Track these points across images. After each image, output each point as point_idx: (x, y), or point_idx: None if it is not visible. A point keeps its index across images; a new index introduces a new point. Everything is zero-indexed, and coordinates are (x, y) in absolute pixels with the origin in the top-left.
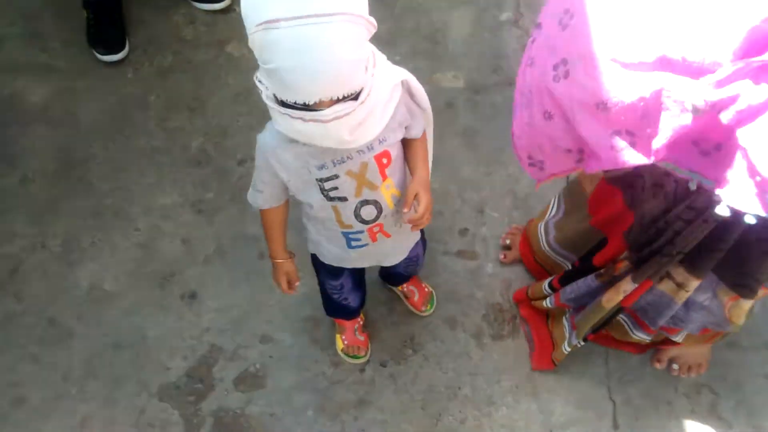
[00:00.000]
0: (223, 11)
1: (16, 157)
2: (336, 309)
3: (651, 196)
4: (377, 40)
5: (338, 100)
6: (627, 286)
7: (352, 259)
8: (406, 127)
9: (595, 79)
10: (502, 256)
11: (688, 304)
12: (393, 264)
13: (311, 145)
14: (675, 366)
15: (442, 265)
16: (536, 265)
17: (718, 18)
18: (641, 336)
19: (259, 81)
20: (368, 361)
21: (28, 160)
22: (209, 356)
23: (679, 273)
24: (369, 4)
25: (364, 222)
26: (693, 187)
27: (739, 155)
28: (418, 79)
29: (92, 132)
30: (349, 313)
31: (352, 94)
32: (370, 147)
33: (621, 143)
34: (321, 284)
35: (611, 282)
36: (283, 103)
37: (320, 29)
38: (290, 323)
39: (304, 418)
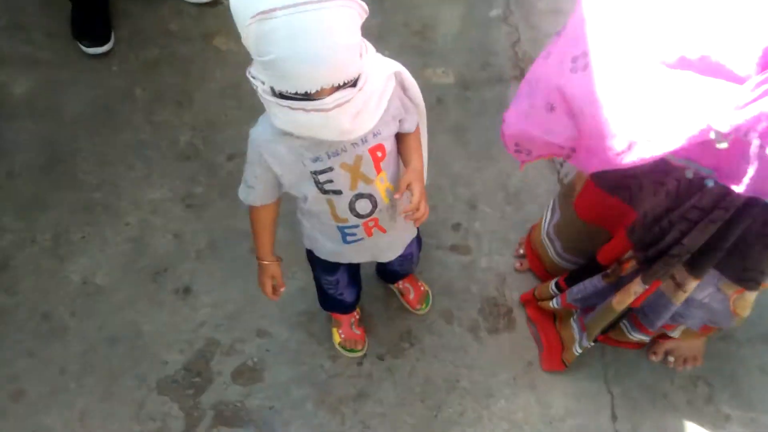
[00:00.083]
0: (209, 4)
1: (1, 150)
2: (332, 303)
3: (651, 193)
4: (367, 35)
5: (338, 88)
6: (637, 287)
7: (348, 254)
8: (399, 121)
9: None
10: (518, 264)
11: (687, 301)
12: (389, 260)
13: (305, 138)
14: (670, 359)
15: (436, 260)
16: (548, 275)
17: (745, 26)
18: (639, 337)
19: (253, 77)
20: (365, 354)
21: (13, 154)
22: (206, 350)
23: (680, 272)
24: None
25: (359, 216)
26: (689, 175)
27: (756, 144)
28: None
29: (78, 125)
30: (345, 308)
31: (350, 81)
32: (364, 140)
33: (621, 145)
34: (317, 279)
35: (618, 283)
36: (282, 96)
37: (316, 15)
38: (286, 317)
39: (303, 411)
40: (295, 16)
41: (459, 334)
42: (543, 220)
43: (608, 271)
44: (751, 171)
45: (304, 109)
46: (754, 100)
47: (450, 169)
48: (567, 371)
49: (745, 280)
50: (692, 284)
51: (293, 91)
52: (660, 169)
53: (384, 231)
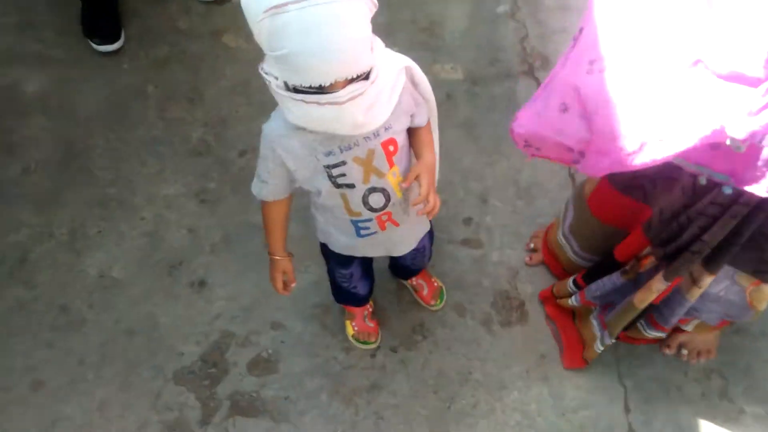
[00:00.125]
0: (217, 2)
1: (16, 147)
2: (345, 296)
3: (666, 190)
4: (375, 31)
5: (351, 81)
6: (660, 285)
7: (362, 248)
8: (411, 116)
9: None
10: (527, 258)
11: (703, 296)
12: (402, 253)
13: (318, 132)
14: (684, 351)
15: (448, 254)
16: (565, 273)
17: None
18: (655, 334)
19: (266, 72)
20: (379, 347)
21: (28, 151)
22: (221, 342)
23: (696, 269)
24: None
25: (373, 210)
26: (703, 181)
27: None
28: None
29: (91, 122)
30: (358, 301)
31: (363, 74)
32: (376, 134)
33: (633, 145)
34: (330, 272)
35: (637, 279)
36: (296, 90)
37: (328, 9)
38: (300, 310)
39: (318, 401)
40: (306, 10)
41: (471, 327)
42: (559, 220)
43: (627, 267)
44: None
45: (317, 103)
46: (766, 105)
47: (460, 164)
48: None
49: (762, 272)
50: (707, 280)
51: (307, 85)
52: (673, 166)
53: (397, 225)
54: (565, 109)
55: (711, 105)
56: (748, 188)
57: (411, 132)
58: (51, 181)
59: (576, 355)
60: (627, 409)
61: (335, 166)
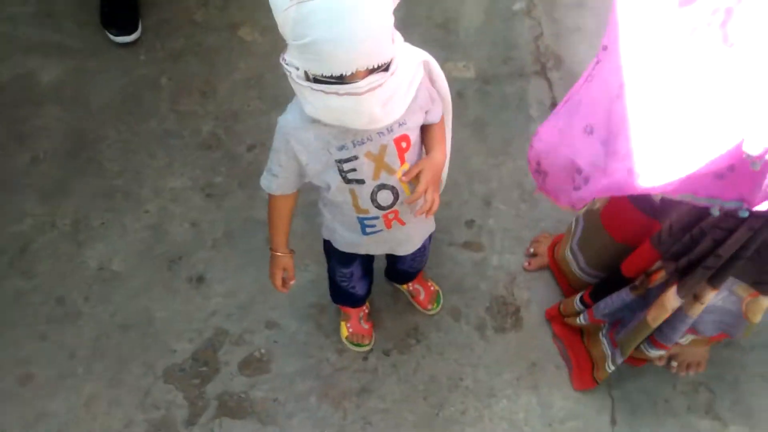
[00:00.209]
0: None
1: (27, 136)
2: (343, 296)
3: (675, 203)
4: None
5: (371, 71)
6: (674, 302)
7: (366, 246)
8: (426, 112)
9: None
10: (526, 264)
11: None
12: (407, 253)
13: (333, 126)
14: (674, 363)
15: (448, 256)
16: (571, 290)
17: None
18: (657, 353)
19: (287, 63)
20: (372, 349)
21: (39, 140)
22: (215, 340)
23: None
24: None
25: (380, 207)
26: (715, 213)
27: None
28: None
29: (104, 113)
30: (356, 301)
31: (383, 65)
32: (389, 129)
33: (644, 168)
34: (330, 270)
35: (647, 295)
36: (317, 80)
37: None
38: (296, 309)
39: (307, 404)
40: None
41: (466, 331)
42: (568, 235)
43: (636, 283)
44: None
45: (337, 93)
46: None
47: (468, 164)
48: (570, 373)
49: (762, 283)
50: (710, 295)
51: (328, 74)
52: None
53: (403, 224)
54: (590, 131)
55: (728, 122)
56: (759, 208)
57: (423, 128)
58: (59, 171)
59: (585, 375)
60: (613, 421)
61: (347, 160)
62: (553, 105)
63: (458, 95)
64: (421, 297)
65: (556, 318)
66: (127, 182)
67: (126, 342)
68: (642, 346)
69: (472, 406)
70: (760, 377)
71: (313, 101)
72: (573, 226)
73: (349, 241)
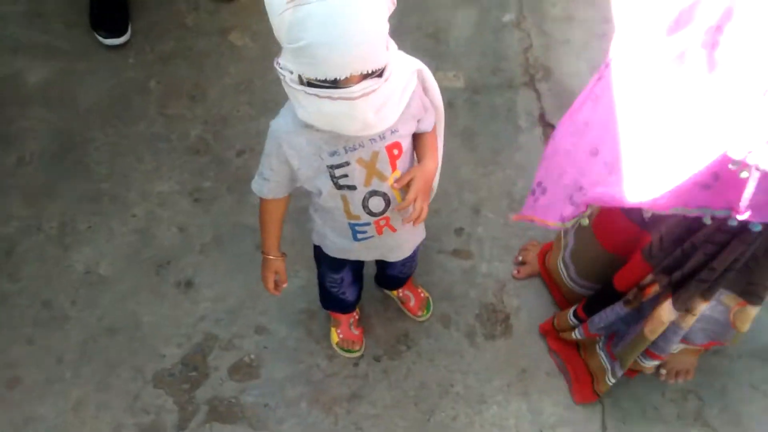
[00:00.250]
0: (226, 0)
1: (13, 137)
2: (333, 302)
3: (664, 215)
4: None
5: (366, 76)
6: (670, 315)
7: (357, 252)
8: (417, 121)
9: None
10: (515, 272)
11: None
12: (397, 259)
13: (325, 131)
14: (663, 371)
15: (438, 264)
16: (565, 301)
17: None
18: (652, 364)
19: (281, 66)
20: (362, 355)
21: (25, 142)
22: (204, 345)
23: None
24: None
25: (372, 214)
26: (707, 221)
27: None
28: None
29: (91, 115)
30: (346, 307)
31: (378, 70)
32: (382, 136)
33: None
34: (320, 276)
35: (641, 308)
36: (311, 84)
37: (349, 3)
38: (286, 315)
39: (297, 409)
40: (328, 2)
41: (456, 338)
42: (558, 245)
43: (629, 297)
44: None
45: (330, 97)
46: None
47: (457, 173)
48: (560, 379)
49: (749, 293)
50: (702, 307)
51: (323, 78)
52: None
53: (394, 230)
54: (595, 153)
55: (710, 135)
56: (756, 219)
57: (415, 137)
58: (45, 173)
59: (585, 388)
60: (604, 428)
61: (338, 166)
62: (542, 116)
63: (448, 105)
64: (412, 303)
65: (551, 332)
66: (114, 186)
67: (114, 346)
68: (638, 358)
69: (463, 413)
70: (748, 385)
71: (306, 105)
72: (563, 238)
73: (340, 246)
